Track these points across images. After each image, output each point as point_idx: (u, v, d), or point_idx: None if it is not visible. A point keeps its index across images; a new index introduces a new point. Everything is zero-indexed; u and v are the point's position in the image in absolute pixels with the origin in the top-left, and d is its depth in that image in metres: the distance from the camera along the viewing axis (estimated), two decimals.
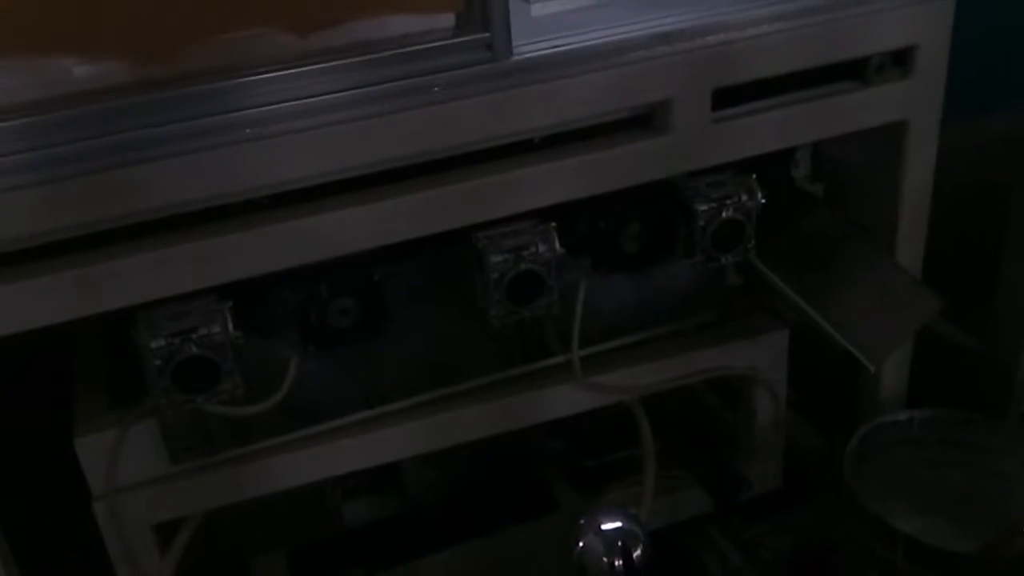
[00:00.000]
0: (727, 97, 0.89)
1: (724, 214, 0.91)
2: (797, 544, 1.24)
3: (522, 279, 0.83)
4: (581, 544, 0.70)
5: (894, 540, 0.98)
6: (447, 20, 0.78)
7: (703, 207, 0.91)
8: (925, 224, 1.09)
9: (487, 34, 0.78)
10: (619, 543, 0.69)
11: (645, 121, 0.89)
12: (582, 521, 0.70)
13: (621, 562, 0.68)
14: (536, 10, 0.88)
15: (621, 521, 0.70)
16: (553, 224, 0.86)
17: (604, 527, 0.70)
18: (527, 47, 0.81)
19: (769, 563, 1.18)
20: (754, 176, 0.94)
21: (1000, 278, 1.28)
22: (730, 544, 1.19)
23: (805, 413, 1.31)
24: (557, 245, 0.84)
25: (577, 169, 0.86)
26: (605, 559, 0.69)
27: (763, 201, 0.94)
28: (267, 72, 0.74)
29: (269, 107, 0.75)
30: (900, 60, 0.96)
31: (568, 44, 0.82)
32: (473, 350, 0.96)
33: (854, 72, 0.95)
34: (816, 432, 1.32)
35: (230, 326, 0.77)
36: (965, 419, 1.14)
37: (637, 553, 0.69)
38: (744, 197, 0.92)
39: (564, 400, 1.00)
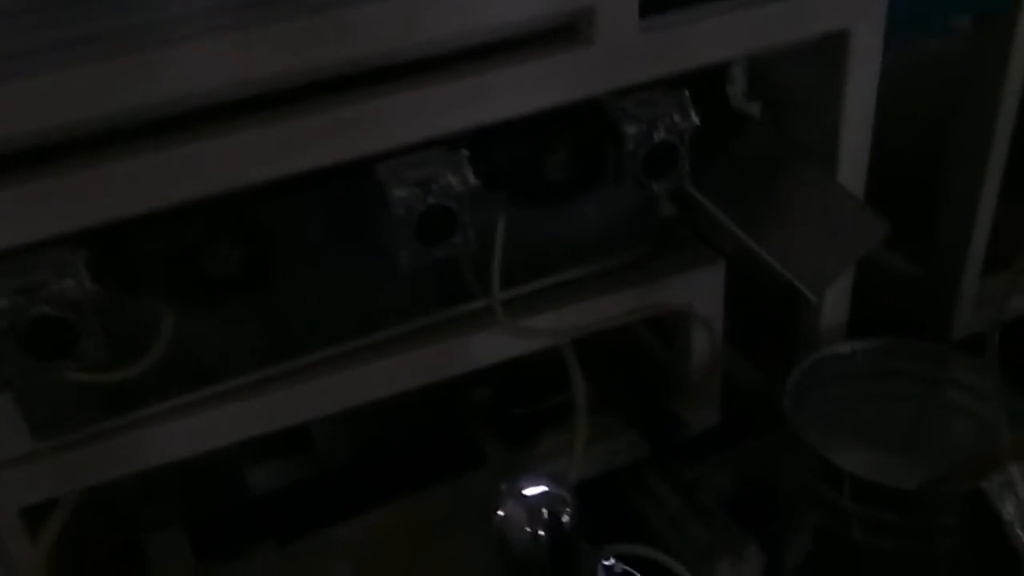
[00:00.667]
0: (656, 4, 0.79)
1: (655, 136, 0.82)
2: (737, 485, 1.18)
3: (432, 216, 0.73)
4: (501, 513, 0.60)
5: (838, 478, 0.92)
6: None
7: (632, 129, 0.81)
8: (868, 144, 1.02)
9: None
10: (543, 510, 0.60)
11: (567, 33, 0.79)
12: (502, 487, 0.61)
13: (545, 532, 0.59)
14: None
15: (546, 485, 0.61)
16: (465, 152, 0.76)
17: (526, 493, 0.61)
18: None
19: (709, 507, 1.11)
20: (687, 93, 0.84)
21: (941, 204, 1.22)
22: (668, 489, 1.13)
23: (743, 347, 1.24)
24: (471, 176, 0.74)
25: (492, 88, 0.76)
26: (528, 529, 0.59)
27: (697, 122, 0.84)
28: None
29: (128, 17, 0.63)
30: None
31: None
32: (383, 297, 0.86)
33: None
34: (754, 367, 1.26)
35: (86, 280, 0.66)
36: (909, 349, 1.09)
37: (564, 519, 0.60)
38: (677, 117, 0.83)
39: (487, 347, 0.91)
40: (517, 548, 0.62)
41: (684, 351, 1.07)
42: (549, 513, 0.63)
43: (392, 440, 1.05)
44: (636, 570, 0.72)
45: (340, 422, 0.96)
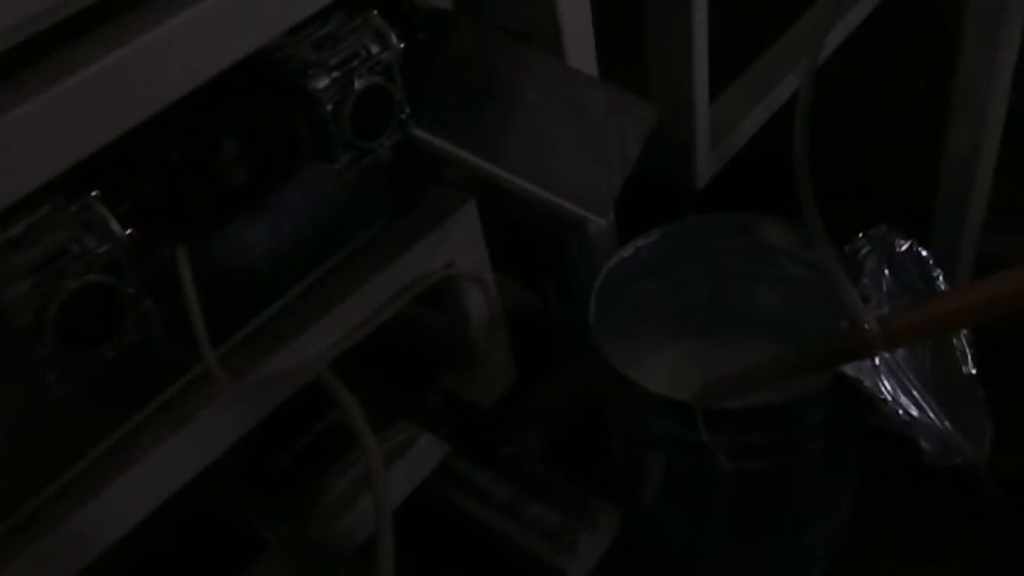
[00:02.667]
0: None
1: (357, 83, 0.58)
2: (562, 427, 1.02)
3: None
4: None
5: (687, 414, 0.78)
6: None
7: (322, 83, 0.58)
8: (590, 12, 0.83)
9: None
10: None
11: None
12: None
13: None
14: None
15: None
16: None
17: None
18: None
19: (543, 478, 0.94)
20: (375, 11, 0.61)
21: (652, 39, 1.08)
22: (492, 477, 0.94)
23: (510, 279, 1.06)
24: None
25: None
26: None
27: (401, 45, 0.61)
28: None
29: None
30: None
31: None
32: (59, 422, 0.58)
33: None
34: (532, 297, 1.09)
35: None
36: (688, 228, 0.96)
37: None
38: (375, 48, 0.60)
39: (226, 422, 0.67)
40: None
41: (461, 318, 0.87)
42: None
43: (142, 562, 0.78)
44: None
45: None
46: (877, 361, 0.79)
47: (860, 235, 0.86)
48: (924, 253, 0.89)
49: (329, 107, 0.60)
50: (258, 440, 0.76)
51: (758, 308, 1.01)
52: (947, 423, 0.83)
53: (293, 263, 0.72)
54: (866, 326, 0.72)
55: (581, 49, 0.83)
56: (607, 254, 0.95)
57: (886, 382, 0.79)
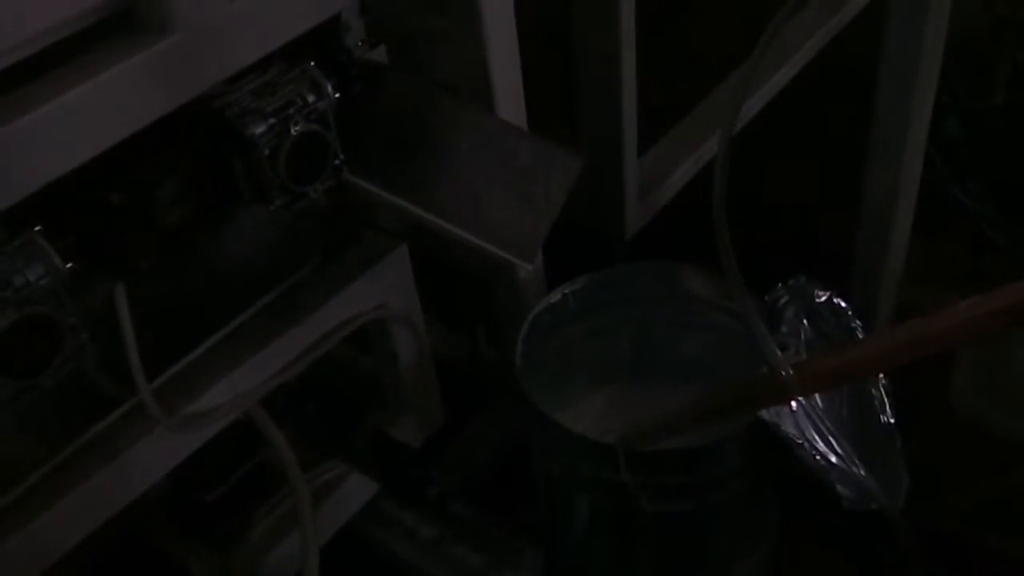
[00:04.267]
0: None
1: (293, 130, 0.63)
2: (485, 468, 1.06)
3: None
4: None
5: (609, 455, 0.83)
6: None
7: (259, 129, 0.62)
8: (518, 67, 0.89)
9: None
10: None
11: (124, 20, 0.56)
12: None
13: None
14: None
15: None
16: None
17: None
18: None
19: (468, 519, 0.98)
20: (312, 64, 0.66)
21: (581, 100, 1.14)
22: (416, 519, 0.98)
23: (441, 324, 1.11)
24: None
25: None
26: None
27: (336, 95, 0.66)
28: None
29: None
30: None
31: None
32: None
33: None
34: (462, 342, 1.13)
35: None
36: (615, 276, 1.01)
37: None
38: (311, 97, 0.65)
39: (157, 455, 0.69)
40: None
41: (389, 358, 0.91)
42: None
43: None
44: None
45: None
46: (795, 407, 0.83)
47: (779, 285, 0.91)
48: (843, 304, 0.94)
49: (266, 151, 0.64)
50: (188, 474, 0.79)
51: (682, 355, 1.07)
52: (862, 470, 0.87)
53: (228, 301, 0.76)
54: (782, 372, 0.77)
55: (511, 102, 0.88)
56: (535, 300, 1.00)
57: (804, 428, 0.84)
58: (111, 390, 0.67)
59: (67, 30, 0.56)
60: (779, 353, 0.79)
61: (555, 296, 0.98)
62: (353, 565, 0.94)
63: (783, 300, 0.91)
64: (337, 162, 0.69)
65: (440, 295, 0.96)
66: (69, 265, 0.55)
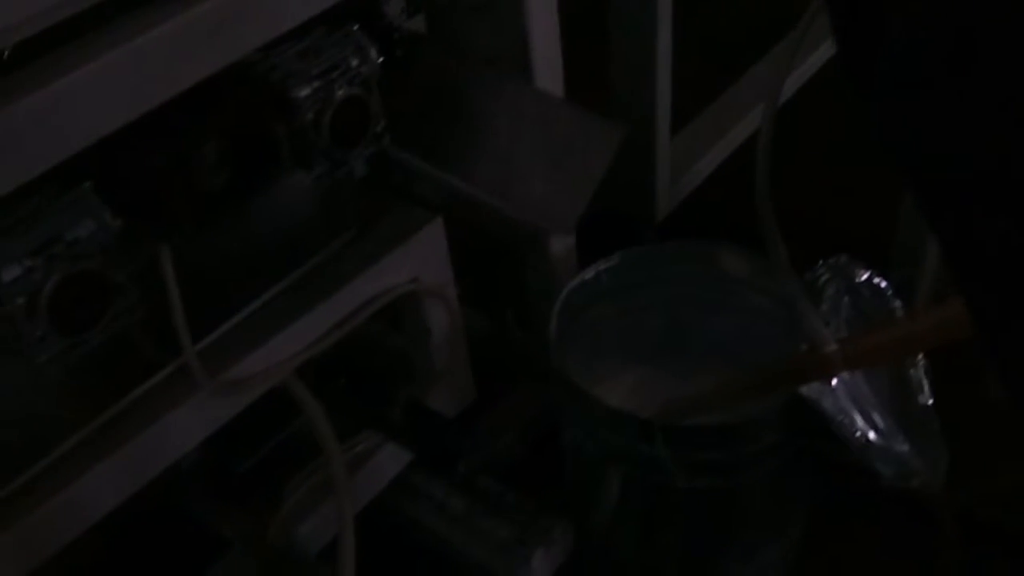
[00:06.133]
0: None
1: (338, 93, 0.64)
2: (516, 446, 1.07)
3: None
4: None
5: (646, 430, 0.83)
6: None
7: (304, 91, 0.63)
8: (558, 38, 0.89)
9: None
10: None
11: None
12: None
13: None
14: None
15: None
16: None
17: None
18: None
19: (498, 493, 0.99)
20: (356, 27, 0.67)
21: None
22: (447, 491, 0.99)
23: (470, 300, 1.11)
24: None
25: None
26: None
27: (380, 59, 0.67)
28: None
29: None
30: None
31: None
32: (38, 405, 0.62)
33: None
34: (488, 316, 1.14)
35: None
36: (649, 255, 1.01)
37: None
38: (355, 61, 0.66)
39: (197, 420, 0.71)
40: None
41: (422, 332, 0.92)
42: None
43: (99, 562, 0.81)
44: None
45: None
46: (835, 384, 0.84)
47: (820, 263, 0.91)
48: (883, 284, 0.94)
49: (310, 115, 0.65)
50: (219, 444, 0.80)
51: (713, 337, 1.07)
52: (904, 446, 0.88)
53: (265, 270, 0.77)
54: (828, 348, 0.77)
55: (550, 73, 0.89)
56: (567, 278, 1.00)
57: (844, 405, 0.84)
58: (153, 353, 0.68)
59: None
60: (823, 326, 0.79)
61: (588, 273, 0.99)
62: (381, 537, 0.95)
63: (824, 278, 0.91)
64: (379, 129, 0.70)
65: (469, 275, 0.97)
66: (118, 222, 0.56)
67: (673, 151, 1.28)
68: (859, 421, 0.88)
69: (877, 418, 0.87)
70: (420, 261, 0.87)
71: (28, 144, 0.53)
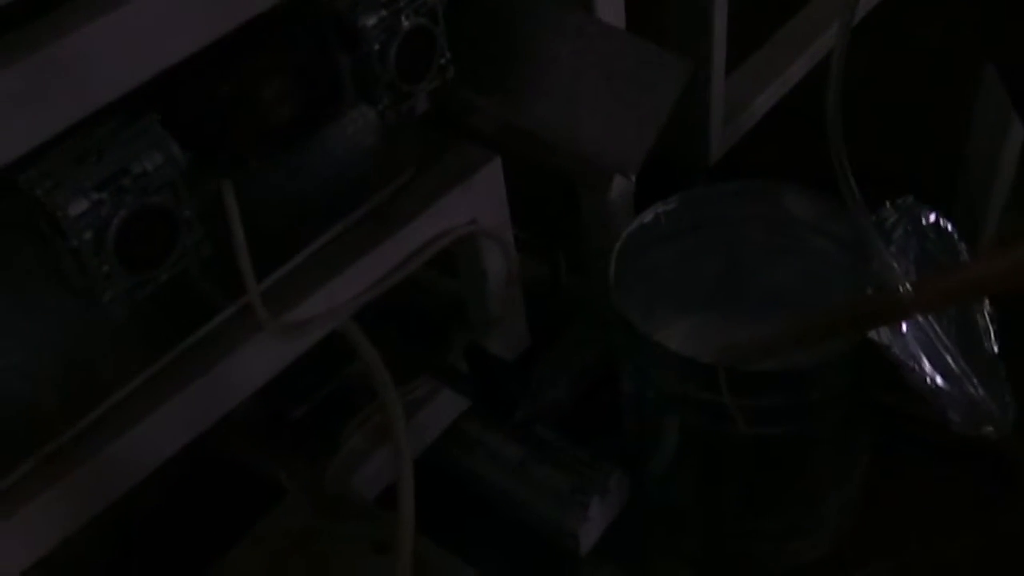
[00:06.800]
0: None
1: (404, 23, 0.61)
2: (571, 393, 1.05)
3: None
4: None
5: (707, 375, 0.82)
6: None
7: (371, 20, 0.60)
8: None
9: None
10: None
11: None
12: None
13: None
14: None
15: None
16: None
17: None
18: None
19: (552, 442, 0.97)
20: None
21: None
22: (501, 439, 0.97)
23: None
24: None
25: None
26: None
27: None
28: None
29: None
30: None
31: None
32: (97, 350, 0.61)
33: None
34: (540, 262, 1.11)
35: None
36: (708, 195, 0.98)
37: None
38: None
39: (259, 361, 0.70)
40: None
41: (478, 276, 0.89)
42: None
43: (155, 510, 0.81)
44: None
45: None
46: (904, 328, 0.81)
47: (887, 204, 0.88)
48: (949, 227, 0.91)
49: (376, 46, 0.63)
50: (276, 389, 0.79)
51: (773, 282, 1.04)
52: (976, 391, 0.85)
53: (325, 209, 0.75)
54: (901, 289, 0.75)
55: (612, 5, 0.86)
56: (624, 222, 0.98)
57: (914, 350, 0.82)
58: (213, 293, 0.67)
59: None
60: (896, 267, 0.77)
61: (647, 216, 0.96)
62: (435, 486, 0.94)
63: (892, 219, 0.89)
64: (443, 61, 0.68)
65: (520, 219, 0.95)
66: (186, 154, 0.55)
67: (727, 90, 1.24)
68: (928, 367, 0.85)
69: (949, 362, 0.84)
70: (478, 202, 0.85)
71: (93, 74, 0.51)
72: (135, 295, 0.55)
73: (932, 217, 0.90)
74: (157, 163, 0.53)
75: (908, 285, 0.76)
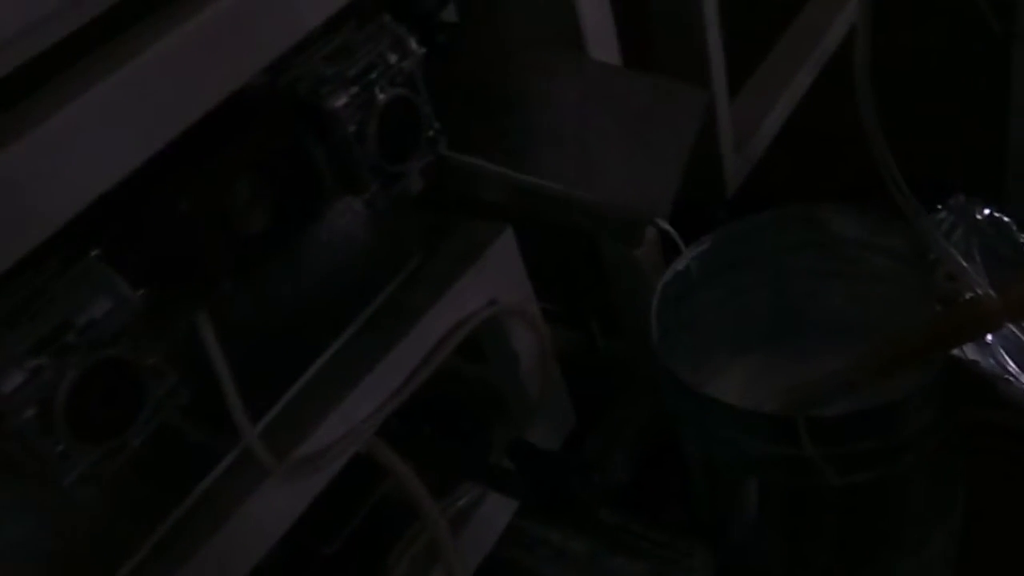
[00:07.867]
0: None
1: (379, 97, 0.50)
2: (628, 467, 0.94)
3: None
4: None
5: (785, 427, 0.70)
6: None
7: (341, 100, 0.50)
8: (609, 5, 0.76)
9: None
10: None
11: None
12: None
13: None
14: None
15: None
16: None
17: None
18: None
19: (621, 526, 0.85)
20: (388, 17, 0.54)
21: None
22: (564, 534, 0.85)
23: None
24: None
25: None
26: None
27: (422, 51, 0.54)
28: None
29: None
30: None
31: None
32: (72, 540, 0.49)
33: None
34: (572, 330, 1.01)
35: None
36: (732, 234, 0.87)
37: None
38: (394, 57, 0.52)
39: (270, 512, 0.58)
40: None
41: (510, 359, 0.78)
42: None
43: None
44: None
45: None
46: (990, 339, 0.70)
47: (939, 206, 0.79)
48: (1006, 219, 0.81)
49: (352, 128, 0.52)
50: (304, 524, 0.67)
51: (828, 308, 0.93)
52: None
53: (323, 318, 0.64)
54: (985, 298, 0.64)
55: (603, 41, 0.75)
56: (655, 273, 0.87)
57: (1005, 361, 0.71)
58: (203, 441, 0.55)
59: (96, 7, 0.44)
60: (975, 274, 0.66)
61: (680, 263, 0.85)
62: None
63: (948, 221, 0.78)
64: (432, 132, 0.57)
65: (545, 290, 0.84)
66: (140, 292, 0.43)
67: (733, 115, 1.14)
68: (1022, 377, 0.75)
69: None
70: (495, 280, 0.74)
71: (12, 209, 0.40)
72: (103, 470, 0.43)
73: (987, 212, 0.80)
74: (105, 308, 0.42)
75: (992, 292, 0.65)
